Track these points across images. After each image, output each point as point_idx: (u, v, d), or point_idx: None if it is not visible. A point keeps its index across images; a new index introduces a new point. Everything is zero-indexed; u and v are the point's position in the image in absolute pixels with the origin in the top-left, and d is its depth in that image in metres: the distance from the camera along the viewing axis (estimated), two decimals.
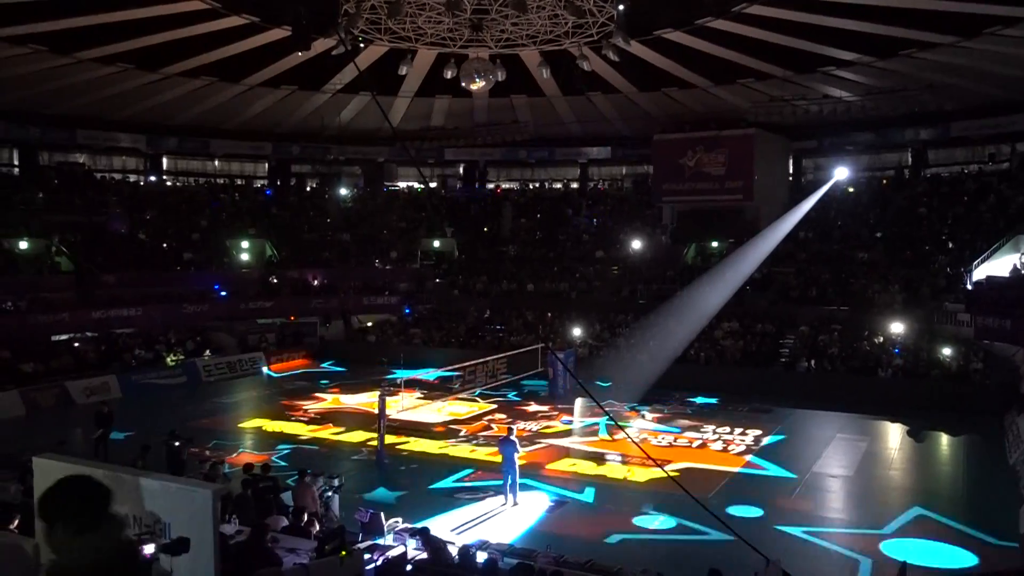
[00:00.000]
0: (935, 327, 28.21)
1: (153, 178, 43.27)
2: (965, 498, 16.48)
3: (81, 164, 41.50)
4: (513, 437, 15.80)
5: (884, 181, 40.00)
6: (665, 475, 14.63)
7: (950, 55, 28.31)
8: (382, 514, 12.15)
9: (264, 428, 22.41)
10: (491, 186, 49.14)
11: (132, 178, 43.26)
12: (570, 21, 22.69)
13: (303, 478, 13.39)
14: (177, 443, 15.77)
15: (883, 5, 24.54)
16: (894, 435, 21.75)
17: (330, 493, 13.94)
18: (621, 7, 22.01)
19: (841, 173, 37.26)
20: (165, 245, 37.11)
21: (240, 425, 22.90)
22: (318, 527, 12.45)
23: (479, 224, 45.03)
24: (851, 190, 38.80)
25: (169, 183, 44.25)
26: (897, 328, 27.99)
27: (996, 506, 15.40)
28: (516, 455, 15.58)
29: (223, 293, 34.97)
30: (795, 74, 32.17)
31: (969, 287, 29.03)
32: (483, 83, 23.73)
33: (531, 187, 49.06)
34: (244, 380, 30.22)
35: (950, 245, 32.33)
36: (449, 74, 24.83)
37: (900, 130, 37.22)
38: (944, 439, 21.50)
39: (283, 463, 17.91)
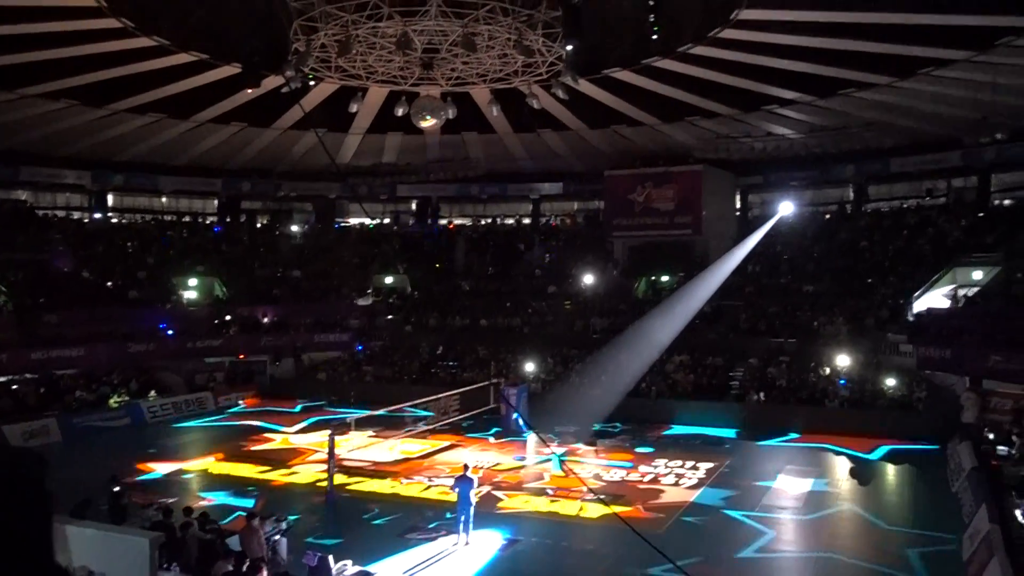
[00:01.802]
0: (879, 358, 28.86)
1: (99, 215, 42.45)
2: (910, 525, 16.75)
3: (24, 201, 40.56)
4: (470, 474, 15.62)
5: (827, 215, 41.12)
6: (611, 511, 14.59)
7: (887, 94, 29.38)
8: (331, 557, 11.91)
9: (210, 471, 21.86)
10: (444, 222, 49.23)
11: (77, 215, 42.38)
12: (519, 60, 23.02)
13: (250, 521, 13.06)
14: (117, 488, 15.27)
15: (821, 47, 25.42)
16: (842, 465, 22.06)
17: (277, 536, 13.63)
18: (569, 47, 22.41)
19: (786, 208, 38.14)
20: (110, 283, 36.28)
21: (186, 468, 22.29)
22: (265, 573, 12.15)
23: (432, 260, 45.01)
24: (796, 224, 39.74)
25: (115, 220, 43.44)
26: (843, 359, 28.56)
27: (940, 533, 15.70)
28: (473, 492, 15.43)
29: (170, 332, 34.21)
30: (740, 112, 33.03)
31: (911, 318, 29.82)
32: (434, 121, 23.88)
33: (484, 223, 49.29)
34: (191, 421, 29.48)
35: (892, 277, 33.23)
36: (400, 111, 24.95)
37: (842, 166, 38.41)
38: (890, 468, 21.89)
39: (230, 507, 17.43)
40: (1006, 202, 36.25)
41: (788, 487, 19.67)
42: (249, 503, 18.04)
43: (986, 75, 25.79)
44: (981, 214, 35.10)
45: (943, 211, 36.76)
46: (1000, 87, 26.25)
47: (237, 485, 20.00)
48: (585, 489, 18.31)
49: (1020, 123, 30.03)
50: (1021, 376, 22.82)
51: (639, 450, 23.68)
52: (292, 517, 15.20)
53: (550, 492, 18.93)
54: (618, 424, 26.46)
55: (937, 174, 37.76)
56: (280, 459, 22.87)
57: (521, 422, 24.98)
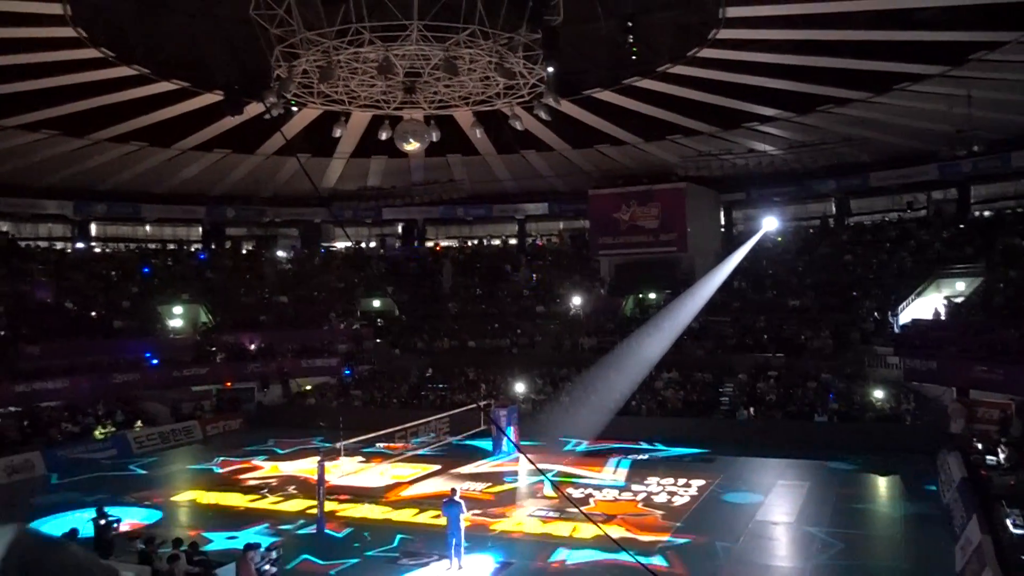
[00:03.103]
0: (866, 371, 28.98)
1: (81, 245, 42.19)
2: (902, 537, 16.77)
3: (4, 233, 40.27)
4: (458, 498, 15.47)
5: (810, 230, 41.47)
6: (602, 532, 14.52)
7: (864, 110, 29.76)
8: None
9: (198, 500, 21.60)
10: (430, 244, 49.26)
11: (59, 245, 42.12)
12: (501, 83, 23.14)
13: (246, 553, 12.94)
14: (104, 521, 15.05)
15: (799, 64, 25.75)
16: (833, 478, 22.06)
17: (267, 567, 13.48)
18: (551, 69, 22.55)
19: (770, 223, 38.48)
20: (94, 313, 35.98)
21: (173, 498, 22.01)
22: None
23: (419, 282, 44.97)
24: (780, 239, 40.05)
25: (98, 250, 43.21)
26: (830, 373, 28.65)
27: (932, 544, 15.72)
28: (462, 516, 15.28)
29: (155, 361, 33.91)
30: (721, 130, 33.33)
31: (896, 330, 30.00)
32: (417, 144, 23.89)
33: (470, 244, 49.34)
34: (178, 450, 29.15)
35: (876, 290, 33.47)
36: (384, 135, 24.98)
37: (822, 181, 38.77)
38: (880, 480, 21.91)
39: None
40: (985, 213, 36.70)
41: (780, 502, 19.67)
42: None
43: (960, 89, 26.20)
44: (961, 226, 35.49)
45: (924, 224, 37.16)
46: (974, 101, 26.65)
47: (227, 515, 19.77)
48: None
49: (995, 135, 30.47)
50: (1005, 386, 22.98)
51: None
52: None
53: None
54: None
55: (916, 187, 38.21)
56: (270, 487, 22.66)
57: (510, 444, 24.87)
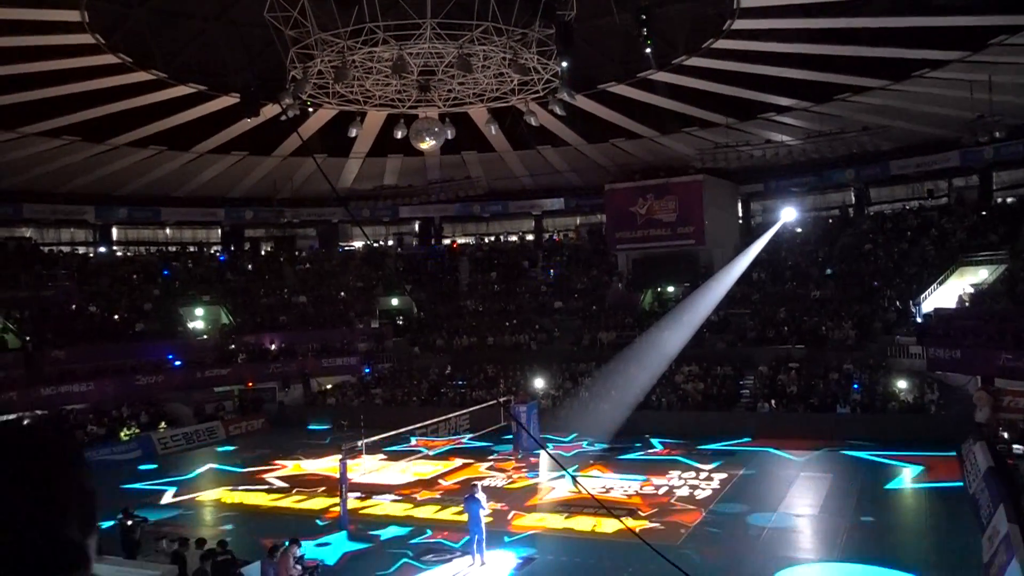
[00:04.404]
0: (889, 361, 28.71)
1: (103, 249, 42.68)
2: (928, 528, 16.62)
3: (28, 238, 40.82)
4: (478, 494, 15.48)
5: (830, 220, 41.10)
6: (624, 526, 14.50)
7: (882, 98, 29.45)
8: None
9: (223, 500, 21.80)
10: (447, 242, 49.35)
11: (81, 250, 42.63)
12: (516, 79, 23.14)
13: (290, 547, 13.12)
14: (131, 522, 15.23)
15: (815, 53, 25.53)
16: (856, 469, 21.90)
17: (297, 566, 13.57)
18: (565, 64, 22.53)
19: (788, 214, 38.17)
20: (116, 316, 36.40)
21: (198, 498, 22.24)
22: None
23: (437, 280, 45.09)
24: (799, 230, 39.73)
25: (120, 253, 43.68)
26: (852, 363, 28.40)
27: (959, 535, 15.57)
28: (482, 511, 15.30)
29: (178, 363, 34.28)
30: (737, 121, 33.09)
31: (919, 320, 29.69)
32: (433, 142, 23.98)
33: (487, 241, 49.38)
34: (202, 451, 29.43)
35: (897, 280, 33.12)
36: (399, 134, 25.07)
37: (841, 171, 38.34)
38: (905, 471, 21.72)
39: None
40: (1008, 200, 36.21)
41: (804, 493, 19.56)
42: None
43: (981, 74, 25.85)
44: (984, 213, 35.05)
45: (945, 211, 36.73)
46: (995, 86, 26.29)
47: (251, 514, 19.95)
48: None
49: (1017, 121, 30.04)
50: None
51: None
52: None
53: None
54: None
55: (937, 175, 37.72)
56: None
57: (531, 440, 24.87)
